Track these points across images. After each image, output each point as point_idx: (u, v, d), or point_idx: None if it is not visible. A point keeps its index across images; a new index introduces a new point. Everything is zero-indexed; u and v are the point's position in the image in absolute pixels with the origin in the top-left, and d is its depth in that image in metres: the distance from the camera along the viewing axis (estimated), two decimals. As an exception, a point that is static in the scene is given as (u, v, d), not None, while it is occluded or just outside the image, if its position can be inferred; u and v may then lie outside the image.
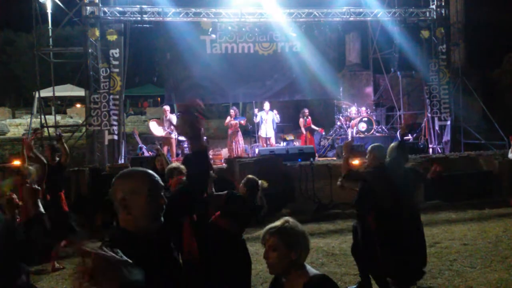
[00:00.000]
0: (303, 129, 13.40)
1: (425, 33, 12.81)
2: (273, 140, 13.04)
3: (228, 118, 12.85)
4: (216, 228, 4.05)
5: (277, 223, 2.11)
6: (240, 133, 12.84)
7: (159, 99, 32.19)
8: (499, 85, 16.43)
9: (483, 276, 5.46)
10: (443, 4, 12.78)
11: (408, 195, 4.73)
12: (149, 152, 12.24)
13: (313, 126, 13.52)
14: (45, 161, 5.76)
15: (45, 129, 11.79)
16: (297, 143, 13.88)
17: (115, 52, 11.42)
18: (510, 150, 9.95)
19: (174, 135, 12.04)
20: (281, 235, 2.05)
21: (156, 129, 12.25)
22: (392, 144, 5.04)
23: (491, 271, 5.63)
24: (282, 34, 12.77)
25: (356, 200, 5.03)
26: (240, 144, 12.74)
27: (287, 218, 2.15)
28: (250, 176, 4.35)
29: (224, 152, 13.08)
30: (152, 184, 1.86)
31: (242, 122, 12.94)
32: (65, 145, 6.92)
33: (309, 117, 13.51)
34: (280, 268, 2.07)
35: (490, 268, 5.72)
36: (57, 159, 6.68)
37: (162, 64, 13.18)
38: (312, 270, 2.07)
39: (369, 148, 4.96)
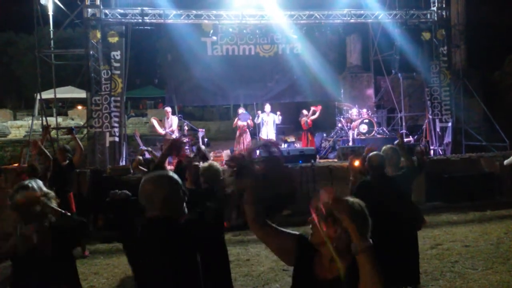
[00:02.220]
0: (304, 119, 13.34)
1: (426, 35, 12.81)
2: (274, 142, 12.99)
3: (236, 119, 12.84)
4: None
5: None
6: (248, 135, 12.80)
7: (160, 101, 32.19)
8: (500, 87, 16.42)
9: (485, 278, 5.45)
10: (444, 6, 12.79)
11: (403, 197, 4.67)
12: (150, 154, 12.23)
13: (313, 117, 13.39)
14: (50, 156, 5.83)
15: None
16: (298, 145, 13.87)
17: (116, 54, 11.43)
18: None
19: (175, 136, 12.05)
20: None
21: (158, 126, 12.26)
22: (385, 147, 4.94)
23: (492, 272, 5.63)
24: (283, 36, 12.78)
25: None
26: (246, 146, 12.69)
27: (349, 198, 2.00)
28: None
29: (225, 154, 13.07)
30: (180, 187, 2.50)
31: (250, 122, 12.89)
32: (79, 140, 6.91)
33: (309, 117, 13.47)
34: (318, 239, 2.01)
35: (491, 270, 5.72)
36: (67, 161, 6.75)
37: (163, 66, 13.19)
38: None
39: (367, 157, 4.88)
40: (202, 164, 4.50)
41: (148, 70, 27.19)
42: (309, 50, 12.90)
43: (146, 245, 2.36)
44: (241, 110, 13.04)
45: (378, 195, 4.41)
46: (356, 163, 4.99)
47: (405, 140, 13.03)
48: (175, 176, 2.53)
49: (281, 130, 14.25)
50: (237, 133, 12.85)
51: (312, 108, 13.32)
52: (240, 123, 12.66)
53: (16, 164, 6.13)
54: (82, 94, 17.83)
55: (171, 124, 12.08)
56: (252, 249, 7.11)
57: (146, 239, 2.37)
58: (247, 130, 12.78)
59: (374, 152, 4.71)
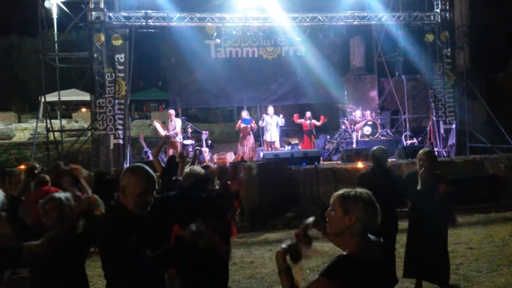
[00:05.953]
0: (301, 121, 13.36)
1: (430, 37, 12.79)
2: (277, 144, 13.03)
3: (239, 122, 12.83)
4: None
5: (345, 189, 2.24)
6: (251, 137, 12.74)
7: (161, 104, 32.23)
8: (504, 88, 16.36)
9: (490, 280, 5.43)
10: (447, 7, 12.76)
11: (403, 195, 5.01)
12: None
13: (315, 122, 13.39)
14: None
15: (51, 133, 11.85)
16: (301, 147, 13.87)
17: (120, 56, 11.47)
18: None
19: (178, 138, 12.08)
20: (341, 199, 2.19)
21: (161, 129, 12.28)
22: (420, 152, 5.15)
23: (497, 275, 5.61)
24: (286, 38, 12.78)
25: None
26: (249, 148, 12.64)
27: (357, 188, 2.24)
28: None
29: (229, 156, 13.08)
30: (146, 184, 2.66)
31: (253, 124, 12.79)
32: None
33: (313, 120, 13.47)
34: (335, 229, 2.19)
35: (496, 272, 5.70)
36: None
37: (167, 68, 13.25)
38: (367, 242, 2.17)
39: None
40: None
41: (152, 73, 27.34)
42: (313, 52, 12.90)
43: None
44: (244, 113, 13.03)
45: (374, 184, 4.74)
46: (359, 164, 5.29)
47: (409, 142, 13.04)
48: (152, 176, 2.71)
49: (284, 132, 14.25)
50: (240, 135, 12.86)
51: (321, 121, 13.39)
52: (242, 125, 12.65)
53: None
54: (86, 96, 17.87)
55: (174, 127, 12.11)
56: (256, 252, 7.11)
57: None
58: (251, 132, 12.76)
59: (377, 146, 5.30)
